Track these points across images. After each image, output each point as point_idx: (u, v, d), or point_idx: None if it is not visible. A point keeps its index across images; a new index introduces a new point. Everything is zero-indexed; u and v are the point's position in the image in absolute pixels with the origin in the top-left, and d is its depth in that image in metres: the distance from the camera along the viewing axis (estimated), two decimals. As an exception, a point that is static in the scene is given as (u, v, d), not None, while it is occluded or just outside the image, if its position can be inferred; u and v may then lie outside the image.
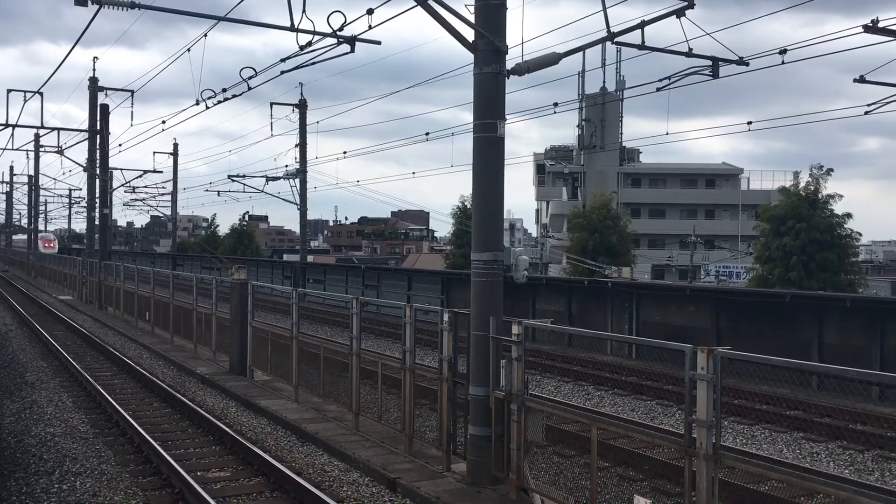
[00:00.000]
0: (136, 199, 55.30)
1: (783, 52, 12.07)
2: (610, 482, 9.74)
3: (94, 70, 35.83)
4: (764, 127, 73.46)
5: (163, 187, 54.85)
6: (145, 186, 52.35)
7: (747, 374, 12.39)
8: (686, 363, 6.65)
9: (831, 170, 38.51)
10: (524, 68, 9.70)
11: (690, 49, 11.65)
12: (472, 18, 9.19)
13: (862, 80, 13.53)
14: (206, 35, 13.52)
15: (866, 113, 14.17)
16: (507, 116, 9.55)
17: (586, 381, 17.13)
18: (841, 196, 37.73)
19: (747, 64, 11.98)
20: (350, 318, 12.09)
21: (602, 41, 11.35)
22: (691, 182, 76.87)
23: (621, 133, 71.50)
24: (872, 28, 12.20)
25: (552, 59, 10.34)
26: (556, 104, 17.72)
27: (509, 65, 9.51)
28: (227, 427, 11.85)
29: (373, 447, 10.76)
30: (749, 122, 34.59)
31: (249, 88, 13.05)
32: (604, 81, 67.84)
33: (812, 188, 37.90)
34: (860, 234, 39.53)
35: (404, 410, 10.73)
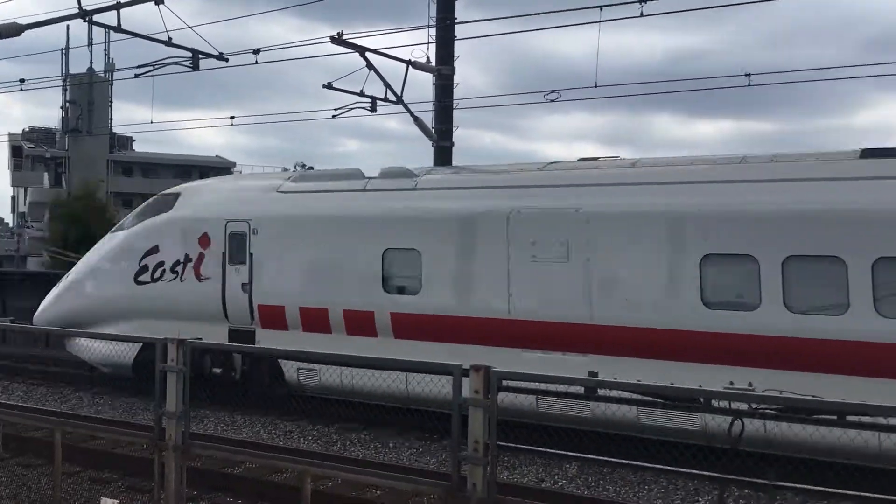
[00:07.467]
0: None
1: (257, 52, 12.63)
2: (81, 487, 9.16)
3: None
4: (247, 122, 76.54)
5: None
6: None
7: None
8: (157, 355, 6.60)
9: (312, 167, 41.84)
10: (-24, 35, 8.61)
11: (170, 38, 11.58)
12: None
13: (329, 86, 14.78)
14: None
15: (333, 116, 15.55)
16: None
17: (61, 381, 16.02)
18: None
19: (227, 59, 12.30)
20: None
21: (74, 17, 10.65)
22: (186, 173, 76.13)
23: (111, 118, 67.99)
24: (338, 40, 13.43)
25: (14, 30, 9.39)
26: (22, 80, 15.95)
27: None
28: None
29: None
30: (232, 117, 35.89)
31: None
32: (91, 62, 63.56)
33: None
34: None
35: None
